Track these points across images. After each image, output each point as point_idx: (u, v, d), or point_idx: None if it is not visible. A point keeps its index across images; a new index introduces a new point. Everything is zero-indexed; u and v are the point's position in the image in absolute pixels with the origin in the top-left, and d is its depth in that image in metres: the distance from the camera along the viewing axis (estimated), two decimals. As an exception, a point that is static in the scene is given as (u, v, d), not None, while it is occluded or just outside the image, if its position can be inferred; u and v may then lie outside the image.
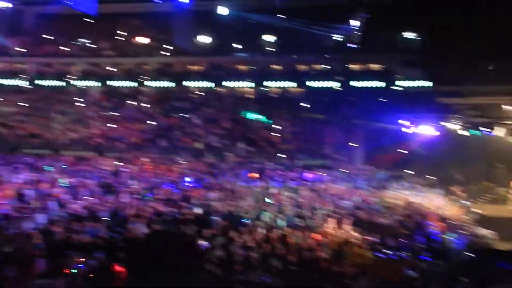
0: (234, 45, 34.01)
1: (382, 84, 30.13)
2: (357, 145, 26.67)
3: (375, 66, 32.30)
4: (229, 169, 23.60)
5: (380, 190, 20.32)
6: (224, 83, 33.98)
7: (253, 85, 33.60)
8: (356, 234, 13.31)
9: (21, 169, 21.78)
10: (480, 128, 19.55)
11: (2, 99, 34.20)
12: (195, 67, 35.47)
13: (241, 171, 22.87)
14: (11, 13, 35.99)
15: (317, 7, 31.90)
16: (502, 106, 23.16)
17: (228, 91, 34.34)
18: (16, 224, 11.29)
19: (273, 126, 29.61)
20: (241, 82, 33.72)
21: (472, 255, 12.00)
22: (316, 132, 28.36)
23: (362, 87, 30.85)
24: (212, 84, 34.07)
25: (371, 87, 30.60)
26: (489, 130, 19.41)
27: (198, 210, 14.55)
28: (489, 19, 21.39)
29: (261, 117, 29.86)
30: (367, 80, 30.84)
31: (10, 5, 34.43)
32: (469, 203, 20.18)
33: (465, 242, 13.29)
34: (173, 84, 34.40)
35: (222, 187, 18.98)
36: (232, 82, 33.85)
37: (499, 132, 19.51)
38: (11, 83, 35.18)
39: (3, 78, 35.31)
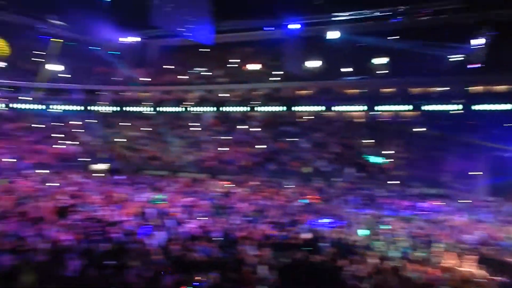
0: (344, 69, 33.93)
1: (508, 106, 27.73)
2: (481, 174, 24.42)
3: (500, 88, 29.84)
4: (338, 195, 23.14)
5: (509, 225, 18.28)
6: (333, 107, 33.91)
7: (363, 108, 33.01)
8: (481, 272, 12.10)
9: (144, 188, 23.69)
10: None
11: (129, 125, 37.97)
12: (305, 92, 35.98)
13: (350, 197, 22.26)
14: (137, 47, 40.30)
15: (433, 27, 30.60)
16: None
17: (338, 115, 34.12)
18: (139, 240, 12.21)
19: (384, 151, 28.52)
20: (351, 106, 33.36)
21: None
22: (432, 158, 26.64)
23: (485, 110, 28.61)
24: (322, 108, 34.20)
25: (496, 110, 28.28)
26: None
27: (307, 235, 14.41)
28: None
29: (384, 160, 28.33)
30: (491, 103, 28.59)
31: (138, 39, 38.60)
32: None
33: None
34: (283, 109, 35.20)
35: (332, 212, 18.65)
36: (342, 106, 33.65)
37: None
38: (136, 110, 39.02)
39: (130, 106, 39.32)
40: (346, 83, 34.32)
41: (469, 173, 24.70)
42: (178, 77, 40.50)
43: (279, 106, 35.45)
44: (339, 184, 25.21)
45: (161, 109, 38.90)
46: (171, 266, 9.41)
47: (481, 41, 29.58)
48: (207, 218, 16.21)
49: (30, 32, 35.31)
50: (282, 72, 36.36)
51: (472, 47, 30.09)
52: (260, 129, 34.32)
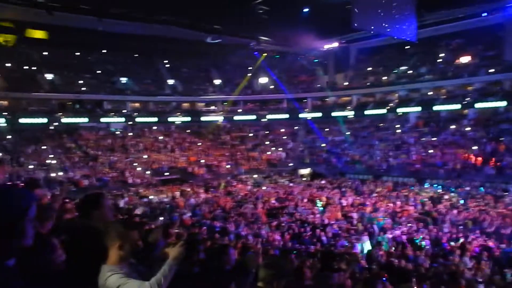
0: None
1: None
2: None
3: None
4: None
5: None
6: None
7: None
8: None
9: (347, 192, 24.00)
10: None
11: (332, 129, 39.00)
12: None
13: None
14: (338, 52, 41.07)
15: None
16: None
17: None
18: (345, 245, 12.47)
19: None
20: None
21: None
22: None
23: None
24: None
25: None
26: None
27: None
28: None
29: None
30: None
31: (337, 44, 39.34)
32: None
33: None
34: (502, 104, 30.98)
35: None
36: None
37: None
38: (339, 115, 39.76)
39: (333, 111, 40.33)
40: None
41: None
42: (380, 78, 39.75)
43: (497, 101, 31.28)
44: None
45: (363, 112, 38.75)
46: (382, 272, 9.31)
47: None
48: (414, 225, 15.48)
49: (242, 50, 39.72)
50: (501, 63, 32.03)
51: None
52: (473, 128, 30.89)
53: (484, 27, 31.71)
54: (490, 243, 13.10)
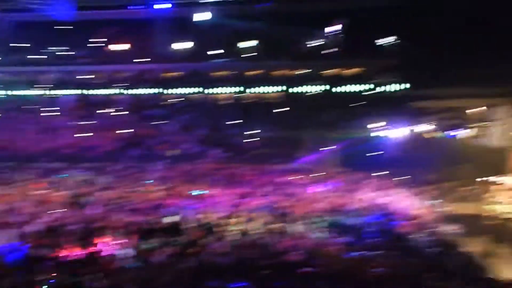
0: (213, 51, 34.17)
1: (361, 88, 30.71)
2: (332, 148, 27.19)
3: (354, 71, 32.90)
4: (203, 175, 23.72)
5: (352, 192, 20.74)
6: (202, 89, 34.10)
7: (232, 90, 33.82)
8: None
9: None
10: (450, 130, 20.19)
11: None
12: (173, 74, 35.52)
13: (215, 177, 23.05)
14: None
15: (298, 14, 32.40)
16: (469, 109, 23.94)
17: (206, 97, 34.47)
18: None
19: (251, 131, 29.89)
20: (220, 88, 33.92)
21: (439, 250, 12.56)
22: (294, 137, 28.76)
23: (341, 92, 31.41)
24: (191, 91, 34.17)
25: (350, 91, 31.20)
26: (458, 132, 20.09)
27: (171, 219, 14.68)
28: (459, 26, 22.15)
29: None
30: (347, 85, 31.43)
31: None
32: (438, 202, 20.83)
33: (433, 239, 13.74)
34: (151, 91, 34.37)
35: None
36: (211, 88, 34.04)
37: (466, 133, 20.23)
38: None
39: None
40: (215, 65, 34.69)
41: (324, 148, 27.31)
42: (31, 56, 36.59)
43: (146, 88, 34.56)
44: (204, 165, 25.80)
45: (9, 92, 34.98)
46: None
47: (335, 28, 32.20)
48: (63, 210, 15.44)
49: None
50: (150, 54, 35.34)
51: (327, 34, 32.62)
52: (125, 113, 33.13)
53: (138, 19, 34.07)
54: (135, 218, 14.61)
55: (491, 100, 21.78)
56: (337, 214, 16.17)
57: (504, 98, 22.13)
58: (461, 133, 20.18)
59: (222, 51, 34.07)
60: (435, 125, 20.75)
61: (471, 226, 18.39)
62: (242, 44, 33.99)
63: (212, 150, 27.69)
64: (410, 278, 10.69)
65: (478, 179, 22.56)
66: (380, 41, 29.37)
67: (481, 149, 24.99)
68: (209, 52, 34.09)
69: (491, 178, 21.19)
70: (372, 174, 25.05)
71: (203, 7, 33.53)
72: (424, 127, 21.46)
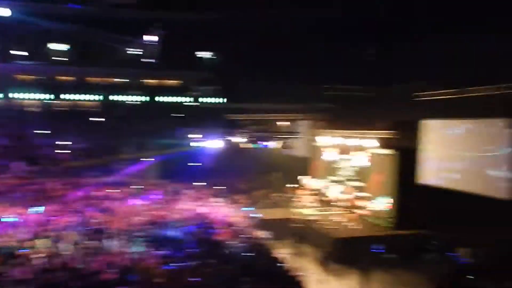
0: (16, 52, 30.44)
1: (179, 99, 31.11)
2: (151, 159, 26.85)
3: (173, 82, 33.15)
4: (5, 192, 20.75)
5: (172, 203, 20.76)
6: (3, 94, 30.00)
7: (40, 97, 30.60)
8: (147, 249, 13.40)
9: None
10: (262, 141, 21.92)
11: None
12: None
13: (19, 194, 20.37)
14: None
15: (116, 20, 31.04)
16: (278, 122, 26.43)
17: (10, 102, 30.43)
18: None
19: (61, 142, 27.37)
20: (25, 93, 30.40)
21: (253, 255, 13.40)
22: (111, 147, 27.43)
23: (158, 102, 31.29)
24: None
25: (168, 102, 31.33)
26: (268, 143, 21.95)
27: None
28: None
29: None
30: (167, 95, 31.46)
31: None
32: (251, 209, 22.33)
33: (247, 245, 14.60)
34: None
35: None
36: (15, 93, 30.23)
37: (276, 144, 22.25)
38: None
39: None
40: (20, 67, 30.90)
41: (142, 159, 26.78)
42: None
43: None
44: (6, 180, 22.59)
45: None
46: None
47: (154, 37, 32.00)
48: None
49: None
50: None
51: (146, 43, 32.22)
52: None
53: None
54: None
55: (296, 116, 24.33)
56: (156, 226, 15.93)
57: (305, 114, 24.97)
58: (271, 144, 22.11)
59: (26, 53, 30.64)
60: (249, 136, 22.28)
61: (281, 230, 20.29)
62: (52, 47, 31.18)
63: (15, 163, 24.36)
64: (226, 284, 11.18)
65: (287, 186, 24.84)
66: (199, 54, 30.36)
67: (288, 159, 27.75)
68: (11, 52, 30.27)
69: (297, 184, 23.51)
70: (191, 185, 25.54)
71: (4, 1, 29.55)
72: (239, 138, 22.85)
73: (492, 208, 15.01)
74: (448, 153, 16.64)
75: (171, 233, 15.50)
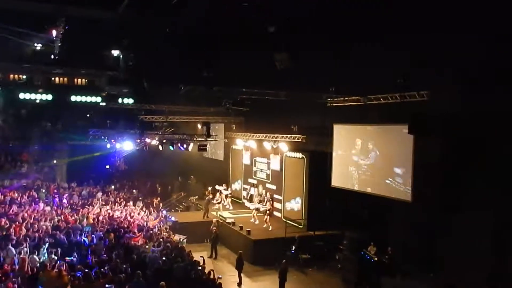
0: None
1: (88, 99, 29.36)
2: (60, 162, 25.21)
3: (81, 81, 31.29)
4: None
5: (83, 208, 19.66)
6: None
7: None
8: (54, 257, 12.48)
9: None
10: (176, 144, 21.43)
11: None
12: None
13: None
14: None
15: (14, 11, 28.64)
16: (196, 124, 26.24)
17: None
18: None
19: None
20: None
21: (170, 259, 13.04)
22: (12, 149, 25.27)
23: (65, 101, 29.29)
24: None
25: (75, 101, 29.46)
26: (184, 146, 21.50)
27: None
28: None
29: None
30: (72, 94, 29.52)
31: None
32: (166, 212, 21.86)
33: (164, 249, 14.19)
34: None
35: None
36: None
37: (191, 147, 21.90)
38: None
39: None
40: None
41: (50, 161, 25.05)
42: None
43: None
44: None
45: None
46: None
47: (59, 32, 29.92)
48: None
49: None
50: None
51: (50, 38, 30.08)
52: None
53: None
54: None
55: (211, 118, 24.27)
56: (64, 232, 14.90)
57: (221, 117, 25.03)
58: (189, 147, 21.73)
59: None
60: (165, 139, 21.70)
61: (198, 233, 20.07)
62: None
63: None
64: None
65: (205, 188, 24.70)
66: (110, 53, 28.96)
67: (206, 161, 27.62)
68: None
69: (215, 187, 23.49)
70: (104, 188, 24.40)
71: None
72: (155, 141, 22.16)
73: (395, 210, 16.19)
74: (356, 157, 17.58)
75: (80, 238, 14.59)
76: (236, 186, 25.66)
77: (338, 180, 18.60)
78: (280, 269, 15.08)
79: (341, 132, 18.57)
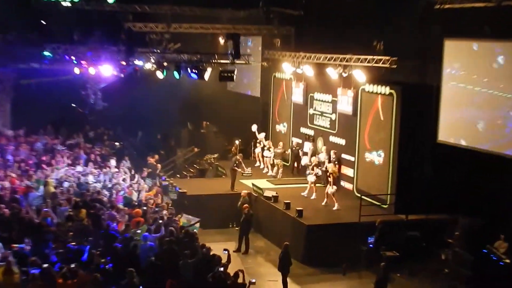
0: None
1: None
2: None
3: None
4: None
5: (39, 168, 20.21)
6: None
7: None
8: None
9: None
10: (184, 69, 21.21)
11: None
12: None
13: None
14: None
15: None
16: (217, 38, 26.03)
17: None
18: None
19: None
20: None
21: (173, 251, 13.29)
22: None
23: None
24: None
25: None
26: (197, 71, 21.20)
27: None
28: None
29: None
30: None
31: None
32: (168, 178, 22.24)
33: (162, 237, 14.36)
34: None
35: None
36: None
37: (209, 74, 21.60)
38: None
39: None
40: None
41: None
42: None
43: None
44: None
45: None
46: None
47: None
48: None
49: None
50: None
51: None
52: None
53: None
54: None
55: (239, 28, 24.06)
56: (11, 204, 15.44)
57: (254, 26, 24.86)
58: (202, 74, 21.44)
59: None
60: (167, 60, 21.44)
61: (217, 212, 20.31)
62: None
63: None
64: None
65: (230, 143, 24.97)
66: None
67: (232, 99, 27.70)
68: None
69: (246, 140, 23.77)
70: (71, 138, 24.92)
71: None
72: (150, 64, 21.95)
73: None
74: (485, 91, 17.04)
75: (36, 216, 15.04)
76: (282, 139, 25.55)
77: (449, 132, 18.24)
78: (377, 275, 15.07)
79: (458, 53, 17.93)
